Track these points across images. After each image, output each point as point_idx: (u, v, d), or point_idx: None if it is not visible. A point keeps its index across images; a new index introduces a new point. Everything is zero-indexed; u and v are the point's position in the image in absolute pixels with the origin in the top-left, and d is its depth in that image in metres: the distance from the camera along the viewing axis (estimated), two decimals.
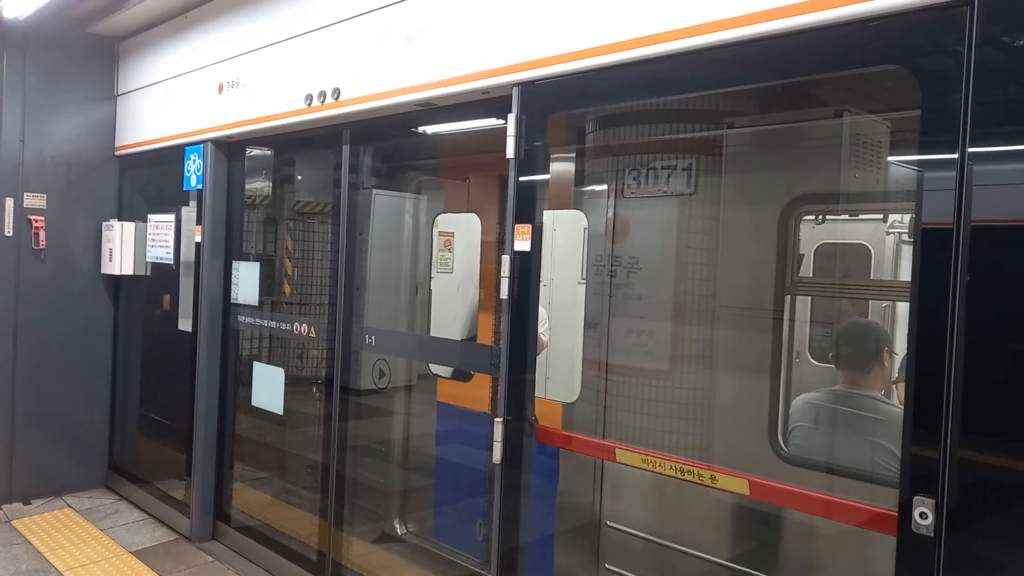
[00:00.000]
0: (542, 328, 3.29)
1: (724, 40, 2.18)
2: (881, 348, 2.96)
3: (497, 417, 2.78)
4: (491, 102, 3.00)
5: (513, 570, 2.81)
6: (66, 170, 5.10)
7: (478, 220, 4.57)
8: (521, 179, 2.79)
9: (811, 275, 3.94)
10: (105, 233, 5.18)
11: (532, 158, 2.80)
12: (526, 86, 2.75)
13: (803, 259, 3.56)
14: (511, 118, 2.76)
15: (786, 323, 3.20)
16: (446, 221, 4.98)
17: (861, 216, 4.52)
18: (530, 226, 2.75)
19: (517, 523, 2.81)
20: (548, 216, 2.98)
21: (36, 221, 4.94)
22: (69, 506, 5.01)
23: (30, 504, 4.97)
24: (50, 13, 4.60)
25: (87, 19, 4.94)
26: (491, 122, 3.23)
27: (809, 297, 3.97)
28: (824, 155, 3.00)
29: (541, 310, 3.01)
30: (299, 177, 5.34)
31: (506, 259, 2.76)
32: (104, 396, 5.39)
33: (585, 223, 3.73)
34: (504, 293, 2.76)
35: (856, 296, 3.77)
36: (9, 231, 4.85)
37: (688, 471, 2.30)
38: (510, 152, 2.77)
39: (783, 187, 3.06)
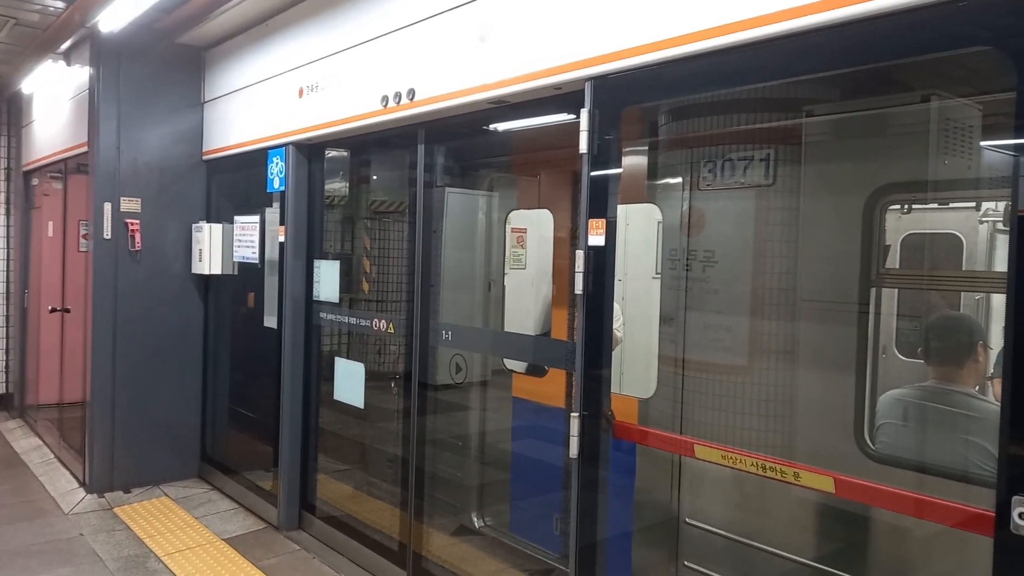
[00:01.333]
0: (616, 323, 3.27)
1: (806, 26, 2.12)
2: (975, 342, 2.83)
3: (573, 412, 2.79)
4: (563, 97, 3.00)
5: (591, 566, 2.82)
6: (158, 175, 5.36)
7: (550, 216, 4.58)
8: (594, 174, 2.78)
9: (898, 267, 3.79)
10: (195, 234, 5.42)
11: (605, 152, 2.79)
12: (599, 80, 2.74)
13: (889, 250, 3.43)
14: (584, 113, 2.76)
15: (871, 317, 3.09)
16: (519, 217, 5.00)
17: (951, 204, 4.32)
18: (604, 221, 2.74)
19: (595, 519, 2.81)
20: (621, 210, 2.96)
21: (132, 224, 5.22)
22: (166, 495, 5.28)
23: (130, 493, 5.26)
24: (141, 26, 4.85)
25: (175, 31, 5.18)
26: (562, 117, 3.24)
27: (896, 290, 3.83)
28: (911, 142, 2.89)
29: (615, 305, 3.00)
30: (375, 177, 5.47)
31: (580, 254, 2.77)
32: (196, 390, 5.64)
33: (659, 217, 3.69)
34: (579, 288, 2.77)
35: (947, 288, 3.61)
36: (108, 234, 5.14)
37: (770, 468, 2.26)
38: (583, 147, 2.76)
39: (867, 176, 2.96)
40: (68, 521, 4.78)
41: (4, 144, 7.66)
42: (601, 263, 2.74)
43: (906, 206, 3.31)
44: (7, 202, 7.66)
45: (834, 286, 3.03)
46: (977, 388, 2.84)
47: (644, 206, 3.87)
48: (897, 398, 2.94)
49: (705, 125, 3.38)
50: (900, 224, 3.58)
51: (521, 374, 4.56)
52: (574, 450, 2.77)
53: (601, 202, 2.76)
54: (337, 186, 4.98)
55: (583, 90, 2.78)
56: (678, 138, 3.50)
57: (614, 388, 2.88)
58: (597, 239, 2.72)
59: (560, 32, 2.86)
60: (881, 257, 3.15)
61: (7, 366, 7.71)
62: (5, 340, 7.69)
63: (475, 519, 4.45)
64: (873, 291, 3.11)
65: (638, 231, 4.24)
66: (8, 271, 7.66)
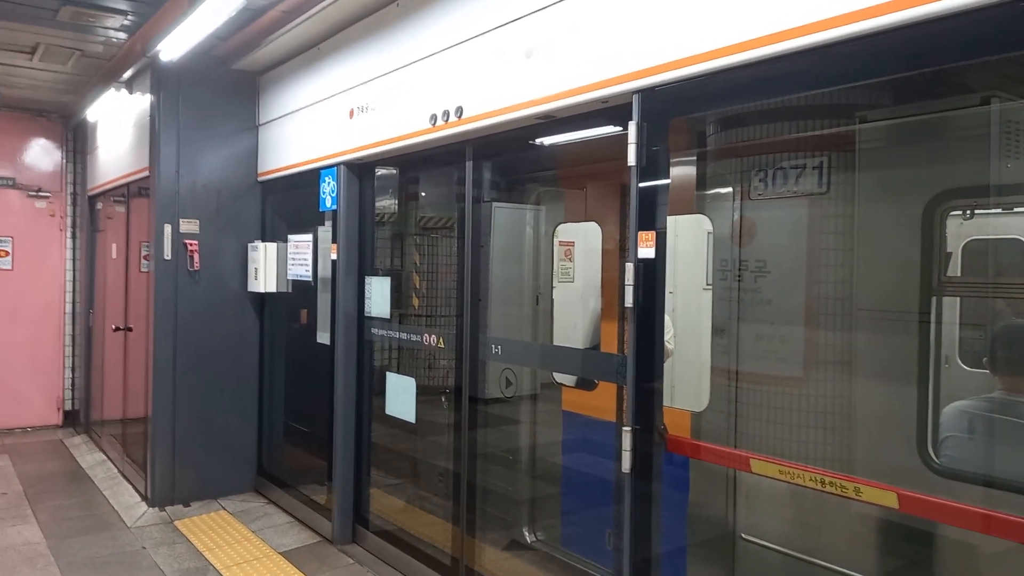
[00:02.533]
0: (667, 335, 3.24)
1: (860, 32, 2.09)
2: None
3: (625, 426, 2.76)
4: (611, 111, 3.01)
5: None
6: (216, 197, 5.52)
7: (598, 228, 4.57)
8: (643, 186, 2.78)
9: (959, 274, 3.67)
10: (250, 254, 5.56)
11: (654, 164, 2.78)
12: (646, 93, 2.74)
13: (951, 257, 3.34)
14: (632, 125, 2.75)
15: (933, 326, 3.00)
16: (566, 231, 5.01)
17: (1016, 209, 4.18)
18: (653, 233, 2.72)
19: (648, 534, 2.78)
20: (670, 222, 2.94)
21: (191, 245, 5.38)
22: (223, 508, 5.39)
23: (190, 506, 5.39)
24: (198, 54, 5.02)
25: (230, 57, 5.35)
26: (610, 130, 3.24)
27: (958, 298, 3.71)
28: (971, 145, 2.81)
29: (666, 318, 2.97)
30: (423, 194, 5.54)
31: (630, 267, 2.75)
32: (252, 406, 5.77)
33: (709, 227, 3.65)
34: (629, 301, 2.75)
35: (1013, 296, 3.48)
36: (168, 255, 5.31)
37: (830, 483, 2.20)
38: (631, 159, 2.76)
39: (926, 182, 2.89)
40: (131, 534, 4.92)
41: (71, 170, 8.00)
42: (651, 275, 2.72)
43: (967, 211, 3.21)
44: (74, 225, 7.99)
45: (893, 295, 2.96)
46: None
47: (693, 217, 3.84)
48: (962, 410, 2.85)
49: (755, 134, 3.34)
50: (961, 230, 3.48)
51: (570, 387, 4.55)
52: (627, 464, 2.75)
53: (650, 214, 2.75)
54: (386, 203, 5.06)
55: (630, 103, 2.79)
56: (727, 148, 3.46)
57: (666, 401, 2.85)
58: (647, 251, 2.71)
59: (606, 46, 2.87)
60: (942, 264, 3.06)
61: (73, 383, 8.00)
62: (72, 358, 7.99)
63: (527, 534, 4.44)
64: (934, 299, 3.02)
65: (687, 242, 4.21)
66: (75, 292, 7.97)
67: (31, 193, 7.76)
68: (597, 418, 4.35)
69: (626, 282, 2.76)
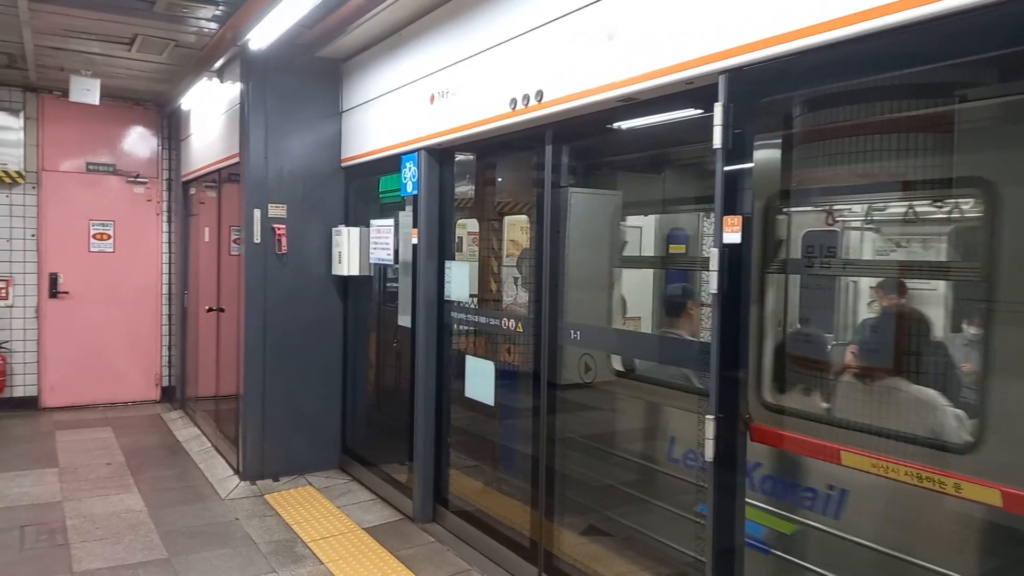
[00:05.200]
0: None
1: (969, 5, 1.97)
2: None
3: (708, 415, 2.72)
4: (695, 92, 2.94)
5: (729, 571, 2.74)
6: (301, 182, 5.68)
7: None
8: (728, 169, 2.71)
9: None
10: (334, 238, 5.71)
11: (740, 147, 2.71)
12: (733, 73, 2.66)
13: None
14: (718, 107, 2.68)
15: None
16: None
17: None
18: (740, 217, 2.66)
19: (732, 523, 2.74)
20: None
21: (278, 229, 5.56)
22: (310, 484, 5.59)
23: (278, 481, 5.61)
24: (285, 42, 5.15)
25: (315, 45, 5.47)
26: (688, 113, 3.17)
27: None
28: None
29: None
30: (499, 179, 5.55)
31: (715, 252, 2.70)
32: (336, 386, 5.94)
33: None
34: (714, 287, 2.70)
35: None
36: (257, 239, 5.50)
37: (927, 478, 2.11)
38: (717, 142, 2.69)
39: None
40: (225, 506, 5.17)
41: (166, 156, 8.37)
42: (737, 261, 2.66)
43: None
44: (168, 210, 8.37)
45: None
46: None
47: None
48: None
49: (843, 115, 3.21)
50: None
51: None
52: (709, 453, 2.71)
53: (737, 198, 2.68)
54: (464, 188, 5.09)
55: (716, 84, 2.71)
56: (815, 129, 3.34)
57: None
58: (733, 236, 2.64)
59: (691, 26, 2.80)
60: None
61: (170, 361, 8.43)
62: (168, 337, 8.41)
63: (606, 519, 4.43)
64: None
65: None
66: (170, 274, 8.37)
67: (130, 179, 8.17)
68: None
69: (710, 268, 2.71)
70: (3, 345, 7.64)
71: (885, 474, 2.22)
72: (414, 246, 4.87)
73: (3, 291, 7.63)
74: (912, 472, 2.15)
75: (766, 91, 2.73)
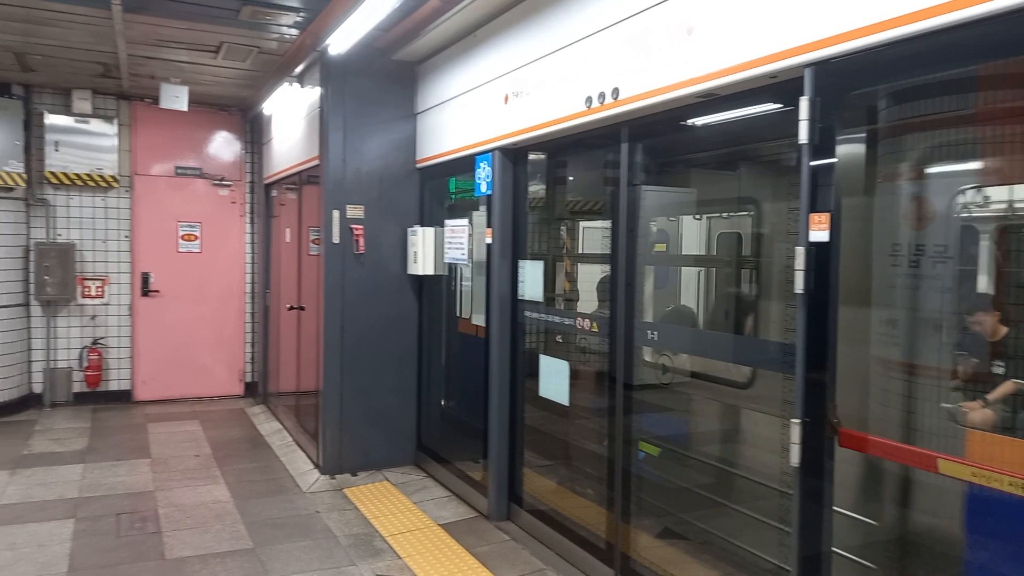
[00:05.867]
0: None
1: None
2: None
3: (794, 419, 2.64)
4: (778, 87, 2.86)
5: None
6: (378, 183, 5.79)
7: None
8: (815, 164, 2.62)
9: None
10: (410, 238, 5.80)
11: (827, 142, 2.62)
12: (820, 66, 2.57)
13: None
14: (804, 101, 2.60)
15: None
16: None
17: None
18: (827, 215, 2.57)
19: (818, 529, 2.65)
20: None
21: (356, 229, 5.68)
22: (386, 479, 5.70)
23: (356, 476, 5.73)
24: (363, 46, 5.26)
25: (391, 48, 5.57)
26: (765, 108, 3.08)
27: None
28: None
29: None
30: (571, 178, 5.53)
31: (800, 251, 2.62)
32: (412, 383, 6.04)
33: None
34: (799, 287, 2.62)
35: None
36: (336, 239, 5.64)
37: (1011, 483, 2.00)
38: (803, 137, 2.61)
39: None
40: (306, 499, 5.31)
41: (248, 160, 8.67)
42: (824, 259, 2.57)
43: None
44: (251, 212, 8.67)
45: None
46: None
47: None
48: None
49: (933, 107, 3.07)
50: None
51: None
52: (795, 458, 2.63)
53: (824, 195, 2.59)
54: (536, 188, 5.09)
55: (802, 77, 2.63)
56: (903, 123, 3.20)
57: None
58: (820, 234, 2.56)
59: (776, 17, 2.72)
60: None
61: (252, 357, 8.73)
62: (251, 334, 8.71)
63: (682, 522, 4.37)
64: None
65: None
66: (253, 273, 8.67)
67: (215, 182, 8.50)
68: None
69: (795, 267, 2.63)
70: (100, 341, 8.06)
71: (987, 484, 2.11)
72: (488, 245, 4.90)
73: (100, 290, 8.05)
74: (1016, 482, 2.04)
75: (854, 84, 2.63)
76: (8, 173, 7.29)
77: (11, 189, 7.41)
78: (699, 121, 3.53)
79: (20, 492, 5.31)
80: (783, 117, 2.91)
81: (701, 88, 3.09)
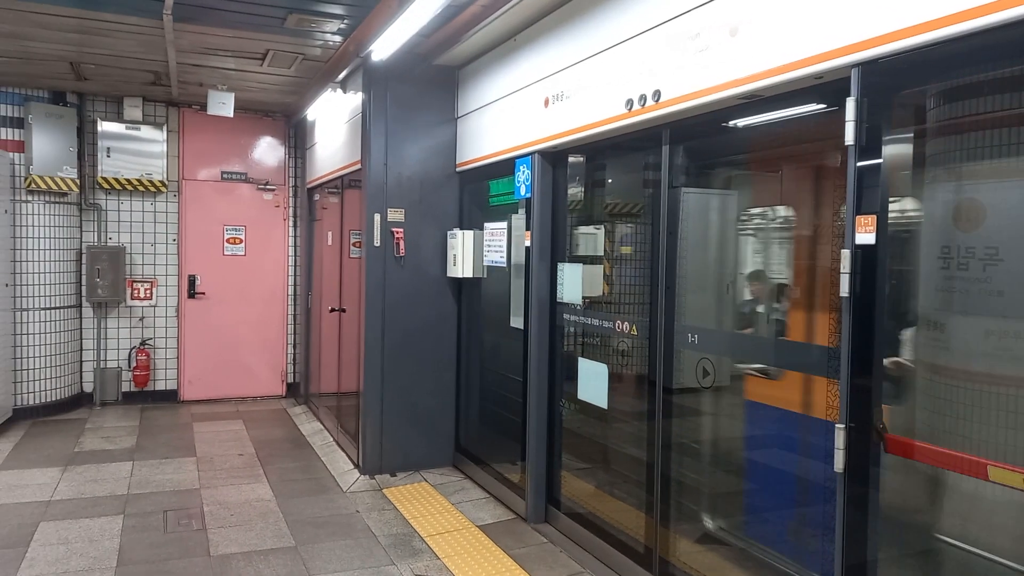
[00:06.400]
0: None
1: None
2: None
3: (839, 424, 2.60)
4: (824, 87, 2.83)
5: None
6: (419, 187, 5.85)
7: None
8: (861, 165, 2.59)
9: None
10: (449, 241, 5.84)
11: (873, 143, 2.58)
12: (867, 66, 2.54)
13: None
14: (850, 102, 2.57)
15: None
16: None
17: None
18: (874, 217, 2.53)
19: (864, 538, 2.61)
20: None
21: (397, 232, 5.75)
22: (425, 480, 5.74)
23: (396, 476, 5.79)
24: (404, 52, 5.32)
25: (432, 53, 5.62)
26: (810, 108, 3.04)
27: None
28: None
29: None
30: (609, 180, 5.51)
31: (846, 253, 2.58)
32: (450, 385, 6.08)
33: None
34: (845, 290, 2.58)
35: None
36: (377, 242, 5.71)
37: None
38: (849, 138, 2.58)
39: None
40: (346, 498, 5.38)
41: (292, 164, 8.82)
42: (871, 262, 2.53)
43: None
44: (295, 215, 8.82)
45: None
46: None
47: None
48: None
49: (984, 106, 3.00)
50: None
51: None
52: (839, 464, 2.59)
53: (870, 197, 2.56)
54: (574, 190, 5.09)
55: (848, 77, 2.60)
56: (951, 123, 3.13)
57: None
58: (866, 237, 2.52)
59: (822, 17, 2.69)
60: None
61: (295, 358, 8.87)
62: (293, 336, 8.85)
63: (721, 527, 4.32)
64: None
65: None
66: (295, 276, 8.81)
67: (260, 187, 8.66)
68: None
69: (841, 270, 2.60)
70: (148, 342, 8.27)
71: None
72: (527, 248, 4.92)
73: (148, 292, 8.26)
74: None
75: (903, 84, 2.59)
76: (63, 179, 7.53)
77: (65, 194, 7.65)
78: (742, 122, 3.50)
79: (72, 489, 5.47)
80: (826, 118, 2.88)
81: (745, 89, 3.07)
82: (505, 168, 5.19)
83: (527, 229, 4.93)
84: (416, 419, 5.93)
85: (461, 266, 5.69)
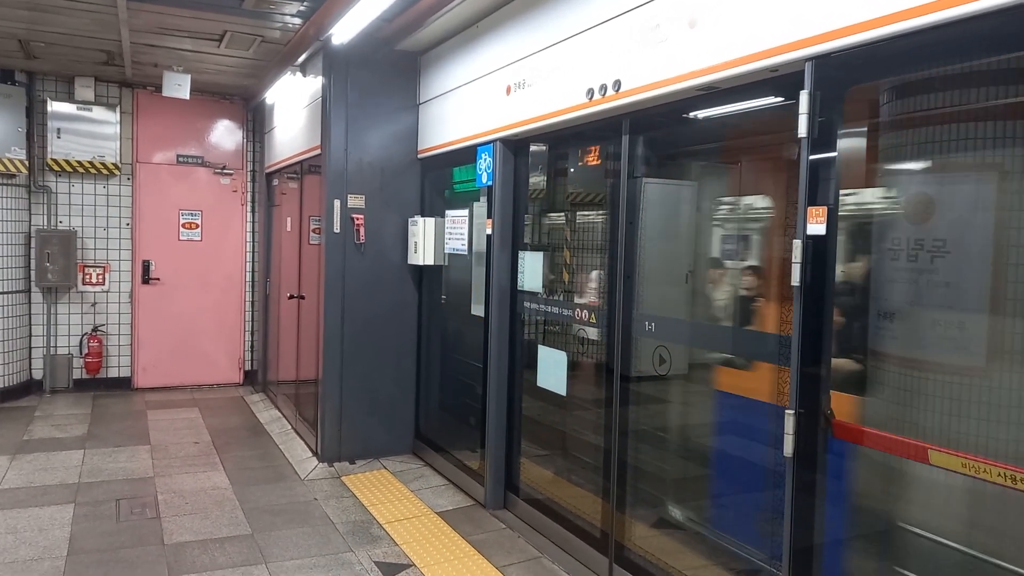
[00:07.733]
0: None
1: None
2: None
3: (788, 409, 2.67)
4: (779, 80, 2.88)
5: (807, 571, 2.69)
6: (380, 173, 5.81)
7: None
8: (813, 158, 2.65)
9: None
10: (410, 228, 5.82)
11: (826, 136, 2.64)
12: (820, 60, 2.59)
13: None
14: (803, 95, 2.62)
15: None
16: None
17: None
18: (825, 208, 2.59)
19: (811, 522, 2.68)
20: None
21: (357, 219, 5.71)
22: (384, 468, 5.74)
23: (355, 464, 5.77)
24: (366, 36, 5.27)
25: (394, 38, 5.58)
26: (766, 101, 3.10)
27: None
28: None
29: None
30: (571, 170, 5.54)
31: (797, 244, 2.64)
32: (410, 373, 6.07)
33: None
34: (795, 280, 2.64)
35: None
36: (337, 228, 5.66)
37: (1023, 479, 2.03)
38: (802, 131, 2.63)
39: None
40: (304, 486, 5.35)
41: (250, 149, 8.68)
42: (821, 253, 2.60)
43: None
44: (253, 200, 8.68)
45: None
46: None
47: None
48: None
49: (934, 102, 3.08)
50: None
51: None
52: (788, 449, 2.66)
53: (822, 189, 2.62)
54: (536, 179, 5.11)
55: (802, 71, 2.65)
56: (902, 118, 3.22)
57: None
58: (817, 228, 2.58)
59: (777, 11, 2.74)
60: None
61: (252, 346, 8.76)
62: (251, 323, 8.74)
63: (677, 513, 4.40)
64: None
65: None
66: (253, 262, 8.69)
67: (217, 171, 8.51)
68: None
69: (792, 260, 2.66)
70: (100, 328, 8.09)
71: (976, 475, 2.14)
72: (488, 236, 4.92)
73: (100, 277, 8.07)
74: (1006, 473, 2.07)
75: (854, 79, 2.65)
76: (10, 160, 7.30)
77: (13, 176, 7.42)
78: (702, 114, 3.55)
79: (21, 477, 5.34)
80: (781, 111, 2.93)
81: (703, 81, 3.11)
82: (467, 155, 5.18)
83: (488, 217, 4.94)
84: (376, 407, 5.91)
85: (422, 253, 5.67)
